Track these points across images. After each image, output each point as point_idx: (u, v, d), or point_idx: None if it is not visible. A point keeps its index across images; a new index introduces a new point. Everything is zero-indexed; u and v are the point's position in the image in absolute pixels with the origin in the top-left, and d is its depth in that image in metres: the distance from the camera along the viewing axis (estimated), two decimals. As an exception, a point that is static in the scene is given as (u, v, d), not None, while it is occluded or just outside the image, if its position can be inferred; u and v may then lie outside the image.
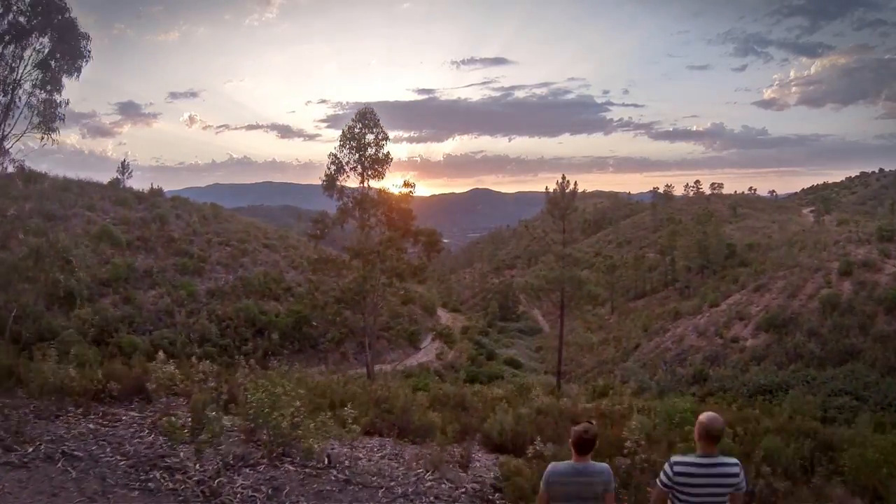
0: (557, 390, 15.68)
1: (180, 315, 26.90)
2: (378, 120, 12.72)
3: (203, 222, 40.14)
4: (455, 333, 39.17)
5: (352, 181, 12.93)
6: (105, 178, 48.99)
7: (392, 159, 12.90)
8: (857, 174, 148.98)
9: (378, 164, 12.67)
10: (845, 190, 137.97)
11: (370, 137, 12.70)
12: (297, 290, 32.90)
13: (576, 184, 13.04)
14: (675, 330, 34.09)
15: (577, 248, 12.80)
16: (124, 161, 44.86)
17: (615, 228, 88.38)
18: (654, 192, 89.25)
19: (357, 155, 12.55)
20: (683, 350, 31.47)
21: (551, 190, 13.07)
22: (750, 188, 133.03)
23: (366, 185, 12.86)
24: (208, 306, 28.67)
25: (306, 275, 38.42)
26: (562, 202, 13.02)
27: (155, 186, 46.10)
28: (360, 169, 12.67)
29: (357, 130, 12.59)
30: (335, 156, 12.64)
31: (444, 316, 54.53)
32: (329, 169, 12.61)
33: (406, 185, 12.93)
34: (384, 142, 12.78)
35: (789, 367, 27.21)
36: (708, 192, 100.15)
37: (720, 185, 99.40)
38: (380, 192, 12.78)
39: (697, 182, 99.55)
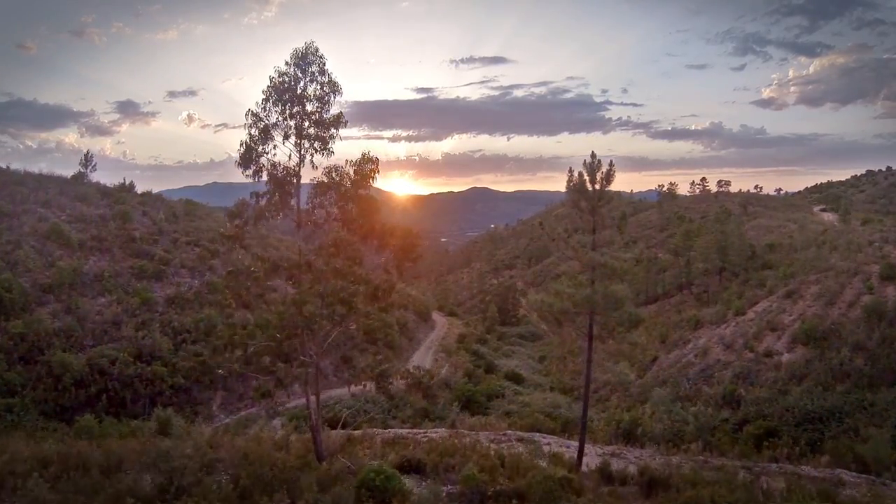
0: (580, 437, 11.89)
1: (128, 327, 23.09)
2: (324, 64, 8.57)
3: (172, 220, 36.34)
4: (447, 354, 35.43)
5: (284, 153, 8.80)
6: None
7: (346, 122, 8.85)
8: (864, 172, 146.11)
9: (323, 129, 8.60)
10: (852, 188, 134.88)
11: (313, 88, 8.65)
12: (271, 297, 29.04)
13: (612, 164, 9.30)
14: (696, 341, 30.37)
15: (607, 253, 9.23)
16: (87, 153, 40.96)
17: (621, 227, 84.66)
18: (660, 190, 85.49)
19: (291, 109, 8.42)
20: (708, 365, 27.77)
21: (576, 174, 9.35)
22: (756, 186, 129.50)
23: (307, 159, 8.79)
24: (164, 316, 24.88)
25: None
26: (592, 192, 9.29)
27: (126, 182, 42.33)
28: (295, 137, 8.57)
29: (292, 78, 8.58)
30: (256, 115, 8.55)
31: (439, 320, 50.90)
32: (249, 135, 8.53)
33: (366, 160, 8.90)
34: (332, 96, 8.73)
35: (836, 387, 23.51)
36: (714, 189, 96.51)
37: (727, 183, 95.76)
38: (330, 171, 8.79)
39: (703, 179, 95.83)
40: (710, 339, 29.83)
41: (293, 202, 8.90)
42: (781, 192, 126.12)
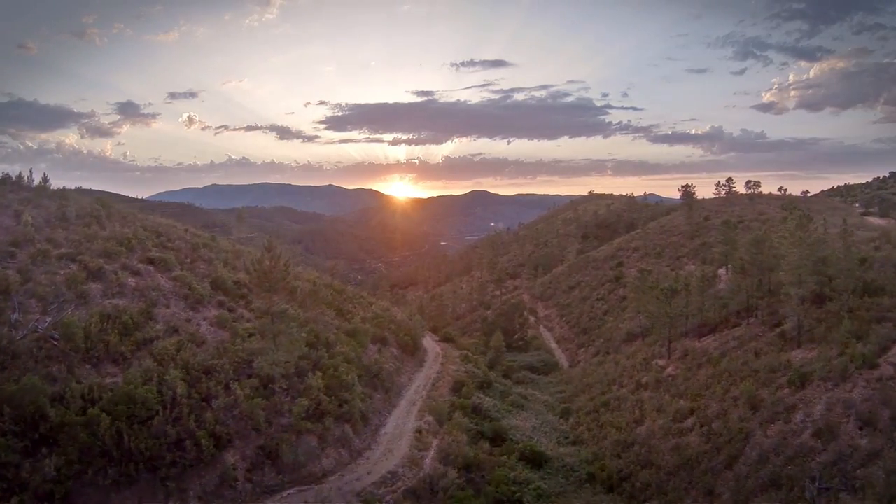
0: None
1: None
2: None
3: (57, 223, 26.27)
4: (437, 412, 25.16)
5: None
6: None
7: None
8: (888, 174, 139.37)
9: None
10: (880, 191, 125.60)
11: None
12: (161, 346, 19.00)
13: None
14: (809, 409, 20.32)
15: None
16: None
17: (643, 233, 74.34)
18: (686, 191, 75.26)
19: None
20: (842, 454, 17.68)
21: None
22: (780, 188, 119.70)
23: None
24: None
25: (205, 311, 24.61)
26: None
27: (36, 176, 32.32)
28: None
29: None
30: None
31: (431, 349, 40.81)
32: None
33: None
34: None
35: None
36: (742, 191, 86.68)
37: (757, 184, 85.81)
38: None
39: (729, 180, 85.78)
40: (832, 406, 19.78)
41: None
42: (808, 195, 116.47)
